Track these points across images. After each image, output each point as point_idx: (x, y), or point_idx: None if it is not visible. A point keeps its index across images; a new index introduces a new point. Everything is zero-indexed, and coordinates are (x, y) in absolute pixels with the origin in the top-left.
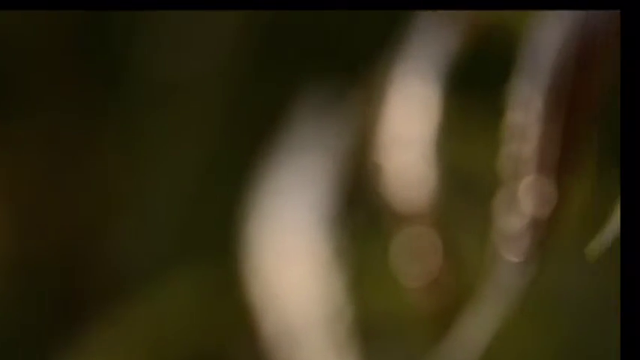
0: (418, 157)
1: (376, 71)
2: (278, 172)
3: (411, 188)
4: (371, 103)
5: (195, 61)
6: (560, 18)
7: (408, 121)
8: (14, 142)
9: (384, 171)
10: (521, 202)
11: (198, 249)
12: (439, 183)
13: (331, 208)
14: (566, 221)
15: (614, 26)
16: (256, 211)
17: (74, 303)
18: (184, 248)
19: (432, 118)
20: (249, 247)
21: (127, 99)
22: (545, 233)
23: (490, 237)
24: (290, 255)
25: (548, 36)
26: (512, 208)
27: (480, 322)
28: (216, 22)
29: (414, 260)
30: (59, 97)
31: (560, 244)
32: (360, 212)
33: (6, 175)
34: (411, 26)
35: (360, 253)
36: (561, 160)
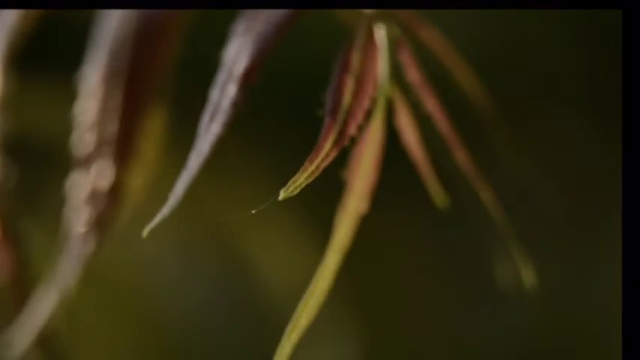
0: None
1: None
2: None
3: None
4: None
5: None
6: None
7: None
8: None
9: None
10: (84, 175)
11: None
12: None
13: None
14: (128, 194)
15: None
16: None
17: None
18: None
19: None
20: None
21: None
22: (107, 205)
23: (60, 208)
24: None
25: (110, 18)
26: (77, 181)
27: (53, 288)
28: None
29: None
30: None
31: (123, 216)
32: None
33: None
34: None
35: None
36: (120, 136)
